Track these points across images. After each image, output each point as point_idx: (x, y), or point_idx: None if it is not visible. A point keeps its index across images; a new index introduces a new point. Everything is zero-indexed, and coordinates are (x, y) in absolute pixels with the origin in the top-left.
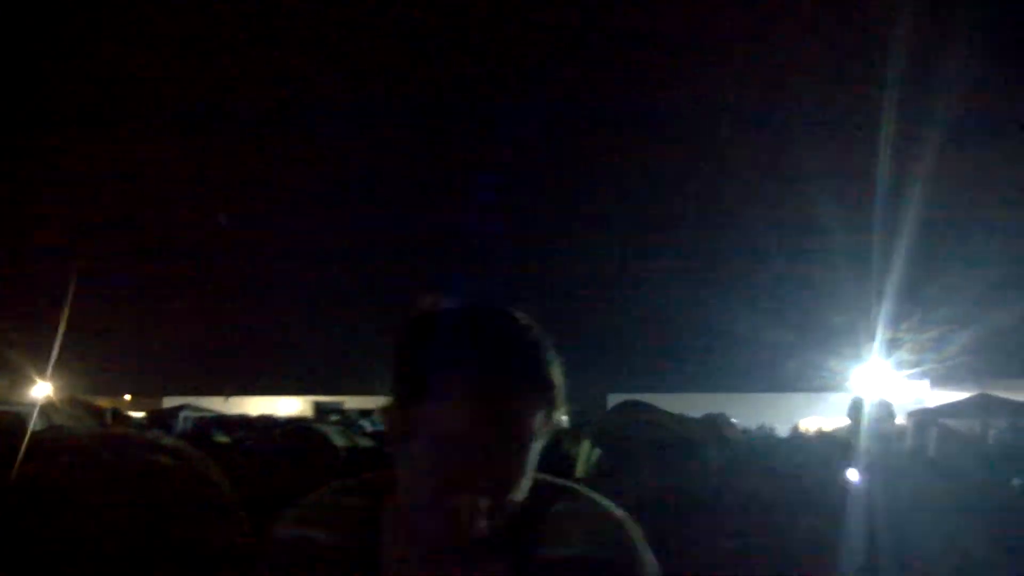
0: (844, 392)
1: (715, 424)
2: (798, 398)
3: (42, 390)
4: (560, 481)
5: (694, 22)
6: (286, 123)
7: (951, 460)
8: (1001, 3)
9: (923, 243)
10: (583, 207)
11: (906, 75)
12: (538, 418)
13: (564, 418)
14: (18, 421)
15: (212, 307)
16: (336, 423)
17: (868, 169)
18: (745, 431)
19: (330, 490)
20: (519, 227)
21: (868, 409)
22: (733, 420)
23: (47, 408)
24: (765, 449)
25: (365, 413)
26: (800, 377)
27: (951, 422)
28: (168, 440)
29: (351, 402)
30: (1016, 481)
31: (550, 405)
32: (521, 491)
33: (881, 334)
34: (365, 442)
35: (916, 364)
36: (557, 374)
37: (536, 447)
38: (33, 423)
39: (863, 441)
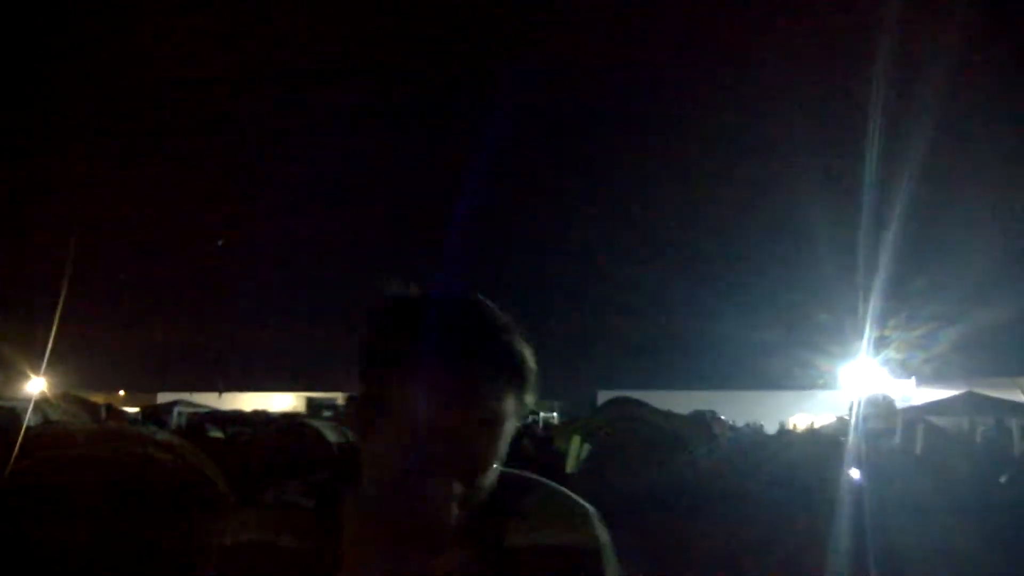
0: (832, 390)
1: (704, 421)
2: (786, 396)
3: (37, 386)
4: (525, 473)
5: (681, 18)
6: (285, 122)
7: (939, 458)
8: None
9: (910, 242)
10: (574, 208)
11: (892, 74)
12: (508, 401)
13: (554, 414)
14: (13, 416)
15: (206, 303)
16: (329, 419)
17: (854, 168)
18: (733, 428)
19: (281, 490)
20: (510, 227)
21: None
22: (721, 417)
23: (42, 403)
24: (752, 446)
25: None
26: (787, 375)
27: (938, 420)
28: (162, 435)
29: (344, 398)
30: (1003, 478)
31: (520, 388)
32: (492, 475)
33: (868, 332)
34: None
35: (903, 362)
36: (527, 358)
37: (507, 431)
38: (28, 418)
39: (852, 439)
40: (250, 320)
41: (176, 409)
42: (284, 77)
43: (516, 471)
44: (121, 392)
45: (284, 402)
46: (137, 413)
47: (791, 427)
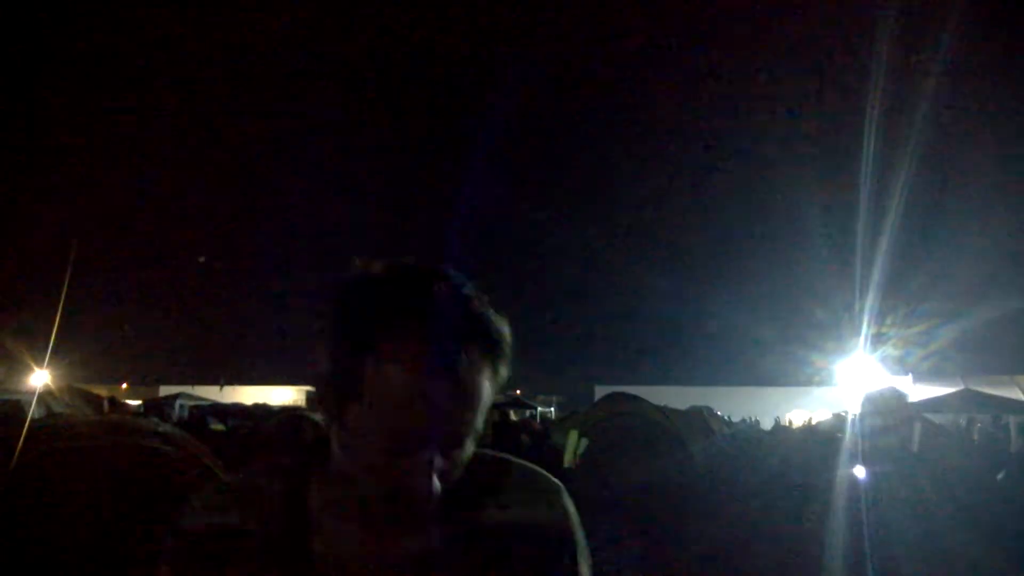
0: (829, 386)
1: (700, 416)
2: (782, 392)
3: (41, 379)
4: (493, 452)
5: (680, 15)
6: (285, 122)
7: (936, 455)
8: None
9: (908, 239)
10: (573, 207)
11: (888, 73)
12: (485, 373)
13: (551, 409)
14: (17, 409)
15: (208, 297)
16: None
17: (852, 166)
18: (729, 423)
19: (244, 473)
20: (509, 225)
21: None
22: (718, 412)
23: (45, 396)
24: (748, 441)
25: None
26: (783, 371)
27: (935, 417)
28: (164, 428)
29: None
30: (1000, 475)
31: (495, 358)
32: (469, 450)
33: (865, 329)
34: None
35: (900, 359)
36: (500, 327)
37: (484, 403)
38: (32, 411)
39: (850, 436)
40: (252, 314)
41: (178, 402)
42: (287, 76)
43: (487, 451)
44: (124, 385)
45: (285, 395)
46: (139, 406)
47: (787, 423)
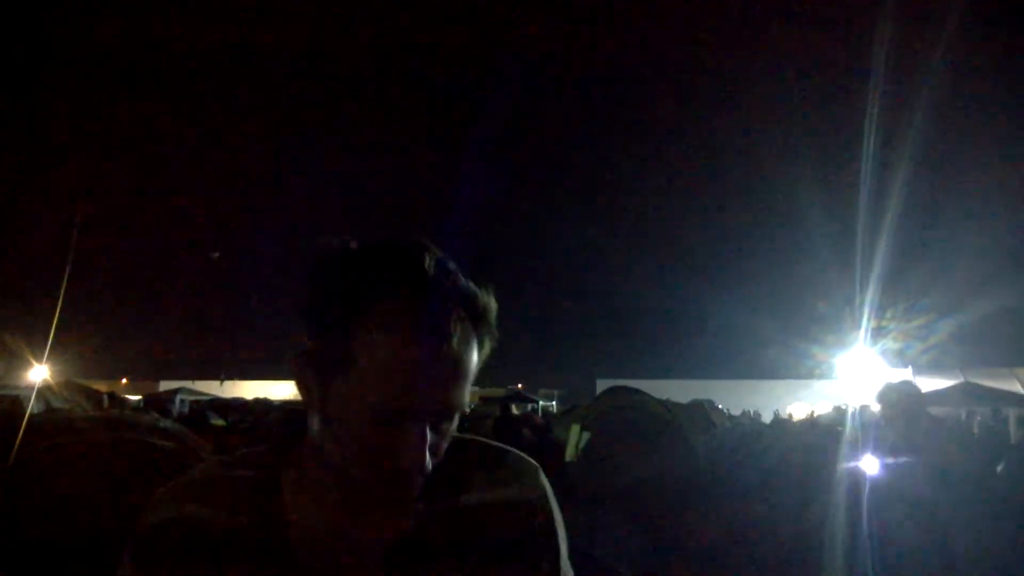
0: (829, 379)
1: (702, 409)
2: (783, 385)
3: (40, 374)
4: (469, 436)
5: (680, 15)
6: (285, 122)
7: (935, 447)
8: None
9: (908, 233)
10: (575, 202)
11: (888, 69)
12: (472, 342)
13: (553, 402)
14: (16, 404)
15: (208, 292)
16: None
17: (852, 160)
18: (731, 416)
19: (214, 464)
20: (511, 221)
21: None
22: (719, 406)
23: (45, 391)
24: (748, 435)
25: None
26: (784, 364)
27: (935, 410)
28: (165, 423)
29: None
30: (1000, 467)
31: (480, 327)
32: (455, 423)
33: (866, 322)
34: None
35: (900, 352)
36: (490, 302)
37: (470, 374)
38: (31, 406)
39: (850, 429)
40: (251, 309)
41: (178, 397)
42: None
43: (464, 435)
44: (124, 380)
45: (285, 390)
46: (140, 401)
47: (787, 416)
